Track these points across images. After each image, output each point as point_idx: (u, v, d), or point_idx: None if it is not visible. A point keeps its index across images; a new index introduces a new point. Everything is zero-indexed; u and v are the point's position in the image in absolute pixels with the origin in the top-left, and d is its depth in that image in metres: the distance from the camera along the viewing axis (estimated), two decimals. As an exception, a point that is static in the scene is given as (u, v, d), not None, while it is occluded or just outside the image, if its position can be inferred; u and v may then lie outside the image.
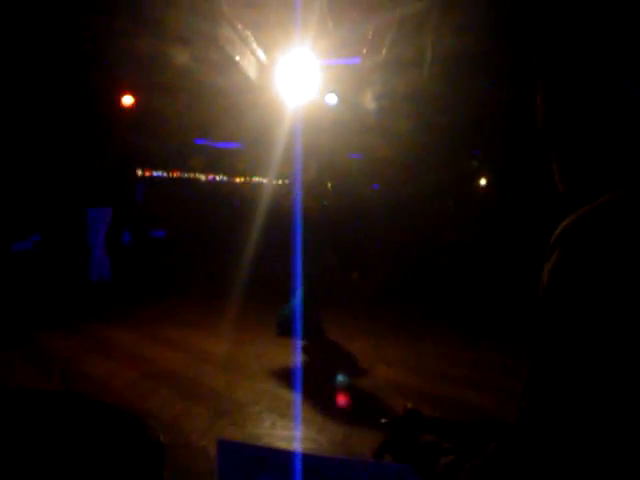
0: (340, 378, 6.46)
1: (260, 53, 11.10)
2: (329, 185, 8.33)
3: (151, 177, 17.92)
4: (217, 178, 19.64)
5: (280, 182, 14.33)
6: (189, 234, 14.71)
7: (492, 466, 1.03)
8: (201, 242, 14.39)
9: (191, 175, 18.89)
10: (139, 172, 16.60)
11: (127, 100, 13.23)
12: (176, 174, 18.30)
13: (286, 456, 1.21)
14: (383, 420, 1.39)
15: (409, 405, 1.39)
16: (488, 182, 17.28)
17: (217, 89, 12.17)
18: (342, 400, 5.93)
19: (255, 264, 10.66)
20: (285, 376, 6.27)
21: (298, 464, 1.19)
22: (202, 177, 19.45)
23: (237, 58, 10.63)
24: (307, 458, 1.20)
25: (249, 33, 10.47)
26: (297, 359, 6.90)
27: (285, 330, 7.69)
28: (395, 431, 1.35)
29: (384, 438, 1.36)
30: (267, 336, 7.73)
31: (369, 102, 11.57)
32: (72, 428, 1.53)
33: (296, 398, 5.63)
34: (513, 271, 12.43)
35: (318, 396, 5.70)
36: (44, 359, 6.66)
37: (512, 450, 1.01)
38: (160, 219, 15.05)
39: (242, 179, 19.82)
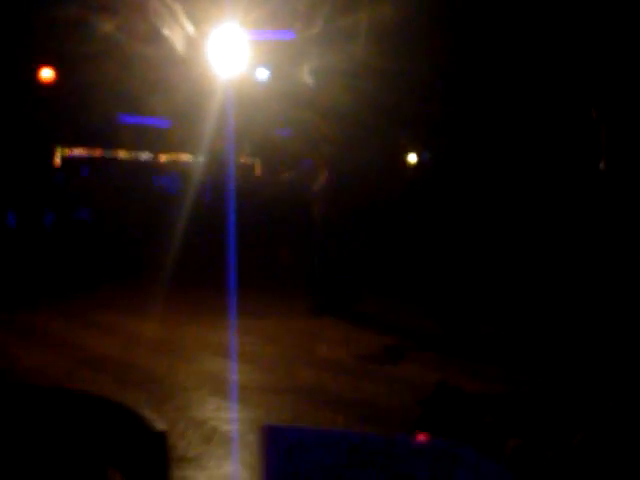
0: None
1: (189, 26, 10.71)
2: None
3: (72, 156, 17.22)
4: (143, 156, 19.00)
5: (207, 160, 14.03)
6: (115, 216, 14.17)
7: (583, 457, 0.96)
8: (128, 224, 13.91)
9: (116, 154, 18.23)
10: (59, 150, 15.89)
11: (46, 73, 12.52)
12: (100, 152, 17.62)
13: (331, 435, 1.20)
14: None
15: (444, 381, 1.35)
16: (419, 159, 17.40)
17: (144, 61, 11.70)
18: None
19: (184, 247, 10.42)
20: (224, 357, 6.13)
21: (344, 442, 1.16)
22: (127, 155, 18.81)
23: (165, 30, 10.23)
24: (352, 436, 1.17)
25: (178, 5, 10.08)
26: (233, 339, 6.74)
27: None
28: (433, 408, 1.28)
29: (419, 415, 1.29)
30: (202, 319, 7.57)
31: (303, 76, 11.36)
32: (73, 425, 1.47)
33: (238, 379, 5.49)
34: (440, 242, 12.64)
35: (262, 377, 5.60)
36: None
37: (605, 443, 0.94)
38: (84, 200, 14.45)
39: (170, 157, 19.26)
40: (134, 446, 1.38)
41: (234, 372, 5.69)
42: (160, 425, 1.40)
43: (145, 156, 19.64)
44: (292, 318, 7.81)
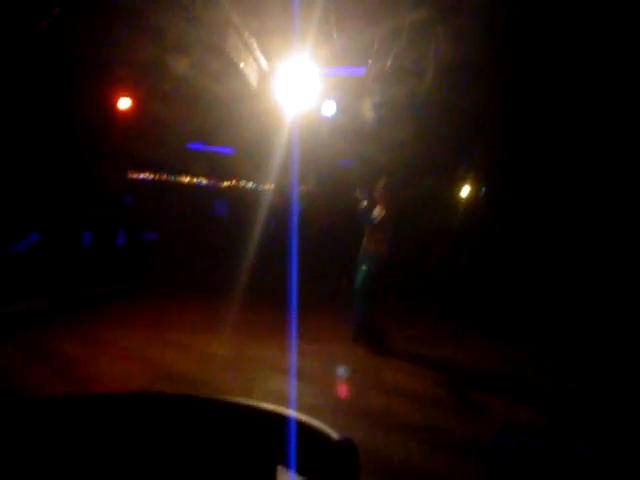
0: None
1: (261, 60, 11.22)
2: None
3: (143, 180, 17.95)
4: (210, 182, 19.67)
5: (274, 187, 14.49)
6: (182, 237, 14.77)
7: None
8: (194, 245, 14.47)
9: (180, 179, 18.94)
10: (131, 175, 16.62)
11: (124, 103, 13.25)
12: (169, 177, 18.34)
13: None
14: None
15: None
16: (478, 191, 17.52)
17: (215, 96, 12.28)
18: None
19: (250, 269, 10.84)
20: (289, 377, 6.41)
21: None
22: (195, 181, 19.52)
23: (238, 65, 10.73)
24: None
25: (252, 39, 10.58)
26: (295, 360, 6.99)
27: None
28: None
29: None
30: (266, 340, 7.95)
31: (367, 110, 11.74)
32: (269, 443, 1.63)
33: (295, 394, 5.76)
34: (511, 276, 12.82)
35: (325, 400, 5.85)
36: (54, 360, 6.70)
37: None
38: (152, 221, 15.10)
39: (238, 184, 19.91)
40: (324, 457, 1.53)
41: (302, 393, 5.95)
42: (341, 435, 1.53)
43: (207, 182, 20.27)
44: (348, 344, 8.06)
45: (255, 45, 10.80)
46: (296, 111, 11.31)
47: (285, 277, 8.29)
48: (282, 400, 5.76)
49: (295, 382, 6.35)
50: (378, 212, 7.98)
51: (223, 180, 19.92)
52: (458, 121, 12.61)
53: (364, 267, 8.05)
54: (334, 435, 1.51)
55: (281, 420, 1.60)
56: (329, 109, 11.74)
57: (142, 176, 18.14)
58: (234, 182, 19.82)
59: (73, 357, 6.78)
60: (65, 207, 11.66)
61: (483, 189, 17.32)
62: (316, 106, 11.58)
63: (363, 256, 8.13)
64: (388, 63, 10.25)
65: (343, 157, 15.99)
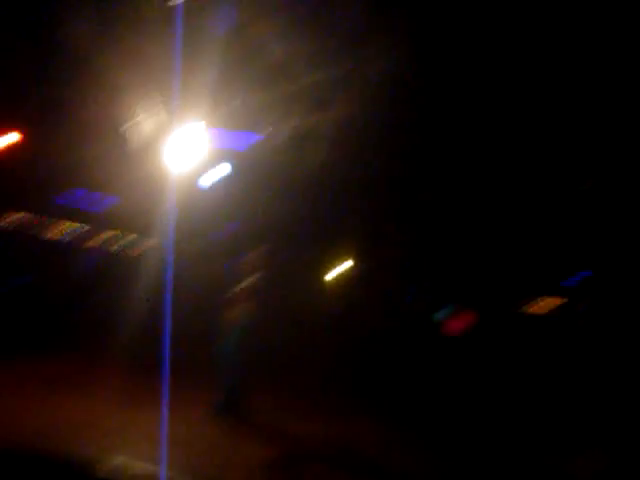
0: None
1: (147, 121, 10.98)
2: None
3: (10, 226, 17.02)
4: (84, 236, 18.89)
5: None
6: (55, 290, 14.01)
7: None
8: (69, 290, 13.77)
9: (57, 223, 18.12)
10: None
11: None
12: (39, 226, 17.50)
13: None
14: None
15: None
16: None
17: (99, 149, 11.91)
18: None
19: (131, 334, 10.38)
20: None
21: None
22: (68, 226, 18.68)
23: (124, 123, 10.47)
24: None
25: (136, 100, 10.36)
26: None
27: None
28: None
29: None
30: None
31: (257, 180, 11.74)
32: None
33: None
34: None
35: None
36: None
37: None
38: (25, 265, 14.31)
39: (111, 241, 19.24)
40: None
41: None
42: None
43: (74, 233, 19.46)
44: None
45: (142, 106, 10.59)
46: (182, 173, 11.10)
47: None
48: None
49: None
50: (247, 282, 8.02)
51: (98, 234, 19.22)
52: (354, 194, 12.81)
53: (231, 336, 7.92)
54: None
55: None
56: (218, 174, 11.64)
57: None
58: (110, 238, 19.16)
59: None
60: None
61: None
62: (204, 170, 11.44)
63: (230, 325, 8.03)
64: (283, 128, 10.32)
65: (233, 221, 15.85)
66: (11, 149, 12.95)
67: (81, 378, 8.78)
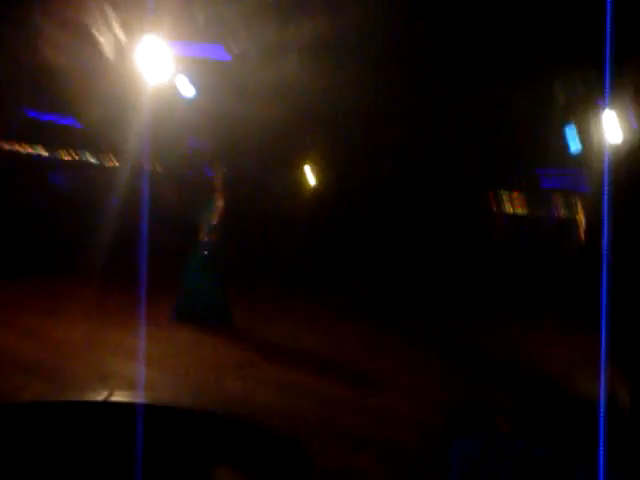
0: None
1: (118, 33, 10.75)
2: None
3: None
4: (51, 154, 18.48)
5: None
6: (23, 213, 13.86)
7: None
8: (37, 223, 13.65)
9: (23, 148, 17.68)
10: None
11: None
12: (7, 146, 17.07)
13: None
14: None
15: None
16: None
17: (67, 67, 11.60)
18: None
19: (100, 250, 10.45)
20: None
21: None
22: (37, 151, 18.27)
23: (95, 36, 10.22)
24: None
25: (109, 11, 10.11)
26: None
27: (185, 315, 8.22)
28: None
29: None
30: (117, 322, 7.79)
31: (229, 94, 11.64)
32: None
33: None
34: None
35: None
36: None
37: None
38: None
39: (82, 158, 18.88)
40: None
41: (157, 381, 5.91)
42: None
43: (44, 152, 19.09)
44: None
45: (111, 17, 10.33)
46: (151, 88, 10.96)
47: (136, 258, 8.10)
48: (136, 388, 5.70)
49: (146, 369, 6.28)
50: (214, 200, 8.24)
51: (65, 153, 18.86)
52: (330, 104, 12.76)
53: (199, 255, 8.35)
54: (283, 436, 1.61)
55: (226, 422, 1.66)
56: (187, 90, 11.48)
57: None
58: (77, 156, 18.84)
59: None
60: None
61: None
62: (173, 85, 11.29)
63: (200, 243, 8.33)
64: (252, 44, 10.20)
65: (197, 138, 15.73)
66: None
67: (57, 300, 8.90)
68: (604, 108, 9.38)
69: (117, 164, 14.88)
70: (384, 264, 13.35)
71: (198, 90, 11.47)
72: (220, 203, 8.42)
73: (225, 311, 8.44)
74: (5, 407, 1.92)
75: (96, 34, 10.43)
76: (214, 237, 8.44)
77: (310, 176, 17.82)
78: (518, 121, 12.99)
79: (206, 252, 8.39)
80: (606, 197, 3.49)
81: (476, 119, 13.22)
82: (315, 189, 17.95)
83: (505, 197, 18.48)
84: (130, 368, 6.17)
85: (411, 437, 4.93)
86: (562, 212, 18.10)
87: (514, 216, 18.36)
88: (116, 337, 7.29)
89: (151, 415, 1.83)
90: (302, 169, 17.53)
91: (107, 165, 17.68)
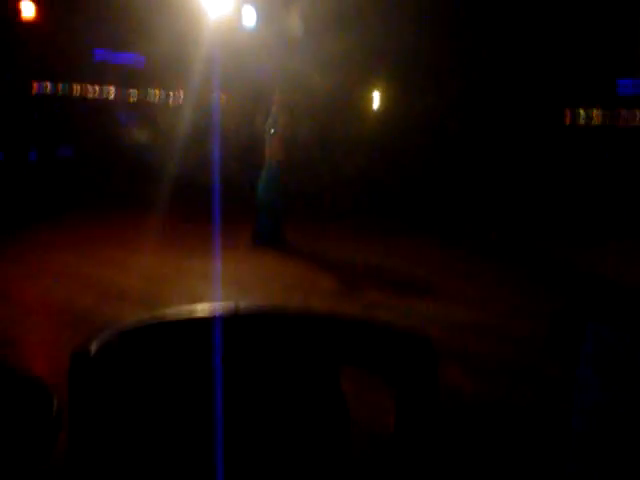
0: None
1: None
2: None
3: (42, 93, 16.98)
4: (119, 93, 18.80)
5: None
6: (98, 152, 14.22)
7: None
8: (112, 160, 14.00)
9: (85, 89, 18.03)
10: (36, 87, 15.70)
11: (27, 9, 12.35)
12: (77, 89, 17.43)
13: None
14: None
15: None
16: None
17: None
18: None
19: (173, 184, 10.69)
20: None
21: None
22: (96, 92, 18.61)
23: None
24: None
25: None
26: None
27: (265, 239, 8.37)
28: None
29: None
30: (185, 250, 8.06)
31: (292, 22, 11.49)
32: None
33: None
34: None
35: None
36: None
37: None
38: (65, 137, 14.43)
39: (140, 95, 19.13)
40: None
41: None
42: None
43: (113, 92, 19.42)
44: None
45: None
46: (214, 19, 10.94)
47: (207, 190, 8.26)
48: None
49: (234, 290, 6.49)
50: (276, 120, 8.23)
51: (133, 90, 19.15)
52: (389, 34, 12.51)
53: (265, 175, 8.45)
54: (414, 334, 1.66)
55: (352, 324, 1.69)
56: (250, 18, 11.42)
57: (47, 88, 17.19)
58: (144, 93, 19.12)
59: (6, 279, 6.60)
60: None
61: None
62: (236, 15, 11.24)
63: (264, 165, 8.47)
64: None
65: (264, 69, 15.67)
66: (33, 18, 12.77)
67: (137, 233, 9.14)
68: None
69: (183, 100, 14.99)
70: (458, 183, 13.09)
71: (262, 19, 11.38)
72: (283, 121, 8.40)
73: (276, 232, 8.56)
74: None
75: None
76: (280, 158, 8.46)
77: (376, 102, 17.61)
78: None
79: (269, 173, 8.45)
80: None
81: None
82: (382, 114, 17.73)
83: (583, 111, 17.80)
84: (217, 291, 6.36)
85: (507, 350, 4.97)
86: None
87: (594, 128, 17.66)
88: (199, 264, 7.49)
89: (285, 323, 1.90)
90: (369, 95, 17.31)
91: (172, 102, 17.87)
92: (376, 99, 17.72)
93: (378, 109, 17.90)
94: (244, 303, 1.97)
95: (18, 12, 12.25)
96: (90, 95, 17.92)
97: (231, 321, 1.86)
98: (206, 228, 7.70)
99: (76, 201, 11.26)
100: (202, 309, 1.96)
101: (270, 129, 8.29)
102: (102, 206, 11.27)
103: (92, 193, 12.01)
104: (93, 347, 1.62)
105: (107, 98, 18.55)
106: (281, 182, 8.51)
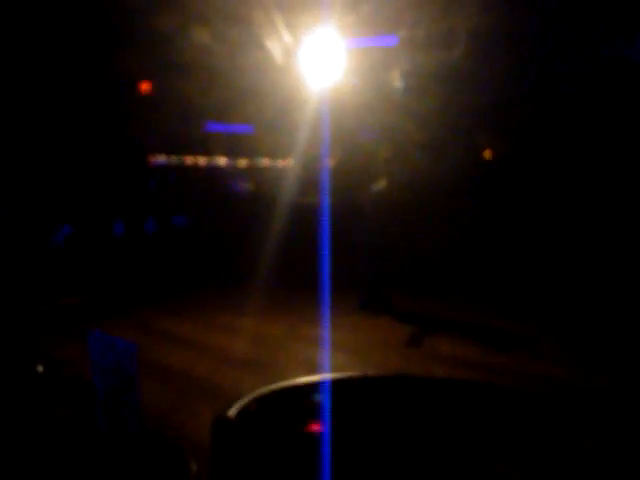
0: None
1: (285, 34, 11.04)
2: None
3: (157, 163, 17.81)
4: (230, 162, 19.49)
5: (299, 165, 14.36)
6: (208, 220, 14.66)
7: None
8: (224, 229, 14.37)
9: (197, 160, 18.78)
10: (152, 158, 16.49)
11: (145, 85, 13.08)
12: (190, 160, 18.20)
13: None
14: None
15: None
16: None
17: (237, 71, 12.11)
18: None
19: (282, 253, 10.83)
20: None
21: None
22: (207, 161, 19.35)
23: (262, 39, 10.58)
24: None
25: (275, 12, 10.40)
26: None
27: (368, 303, 8.37)
28: None
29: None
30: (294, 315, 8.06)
31: (395, 81, 11.56)
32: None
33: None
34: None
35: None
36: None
37: None
38: (179, 206, 15.00)
39: (250, 162, 19.73)
40: None
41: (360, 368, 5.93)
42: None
43: (224, 162, 20.09)
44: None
45: (279, 18, 10.63)
46: (321, 85, 11.13)
47: (314, 256, 8.26)
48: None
49: (347, 356, 6.37)
50: (381, 182, 8.26)
51: (242, 159, 19.77)
52: (483, 89, 12.41)
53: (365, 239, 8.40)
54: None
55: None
56: (353, 81, 11.55)
57: (161, 159, 18.02)
58: (254, 161, 19.68)
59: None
60: (94, 196, 11.57)
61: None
62: (342, 79, 11.40)
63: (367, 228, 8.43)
64: (418, 32, 10.09)
65: (367, 129, 15.78)
66: (149, 92, 13.50)
67: (249, 300, 9.23)
68: None
69: (292, 165, 15.28)
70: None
71: (366, 82, 11.50)
72: (382, 186, 8.43)
73: (378, 296, 8.42)
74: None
75: (266, 39, 10.77)
76: (378, 221, 8.42)
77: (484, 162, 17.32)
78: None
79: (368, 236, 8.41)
80: None
81: None
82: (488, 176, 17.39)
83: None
84: (332, 357, 6.25)
85: None
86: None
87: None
88: (310, 330, 7.44)
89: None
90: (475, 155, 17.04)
91: (282, 167, 18.26)
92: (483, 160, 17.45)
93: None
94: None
95: (136, 89, 13.00)
96: (202, 164, 18.66)
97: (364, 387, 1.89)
98: (316, 291, 7.69)
99: (190, 270, 11.55)
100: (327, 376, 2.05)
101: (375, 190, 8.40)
102: (215, 274, 11.50)
103: (205, 261, 12.30)
104: (233, 413, 1.70)
105: (218, 167, 19.24)
106: (381, 245, 8.47)
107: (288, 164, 17.50)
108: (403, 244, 11.05)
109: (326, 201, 11.16)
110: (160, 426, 4.26)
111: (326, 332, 7.26)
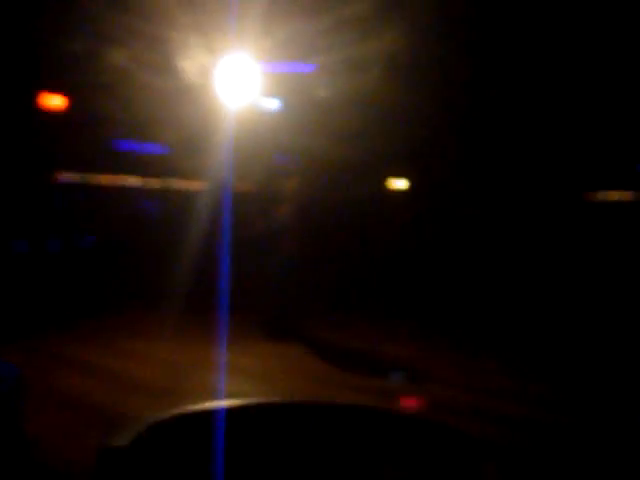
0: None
1: (200, 55, 10.96)
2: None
3: (63, 182, 17.22)
4: (131, 182, 19.00)
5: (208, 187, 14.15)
6: (119, 242, 14.24)
7: None
8: (132, 251, 13.99)
9: (116, 179, 18.27)
10: (57, 177, 15.90)
11: (51, 101, 12.65)
12: (101, 178, 17.67)
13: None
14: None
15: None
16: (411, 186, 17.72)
17: (152, 91, 11.91)
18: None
19: (193, 275, 10.61)
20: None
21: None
22: (114, 181, 18.81)
23: (176, 60, 10.46)
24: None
25: (190, 34, 10.32)
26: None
27: (273, 328, 8.32)
28: None
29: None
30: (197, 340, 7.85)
31: (310, 106, 11.65)
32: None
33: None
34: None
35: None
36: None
37: None
38: (88, 226, 14.50)
39: (162, 183, 19.34)
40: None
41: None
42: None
43: (133, 182, 19.60)
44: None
45: (196, 40, 10.55)
46: (236, 107, 11.09)
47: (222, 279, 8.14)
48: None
49: (255, 383, 6.28)
50: (284, 211, 8.19)
51: (155, 180, 19.35)
52: (403, 116, 12.65)
53: (276, 264, 8.35)
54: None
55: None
56: (271, 104, 11.60)
57: (71, 176, 17.42)
58: (167, 182, 19.31)
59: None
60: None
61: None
62: (257, 102, 11.41)
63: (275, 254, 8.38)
64: (331, 58, 10.22)
65: (282, 153, 15.82)
66: (60, 108, 13.09)
67: (152, 324, 9.01)
68: None
69: (203, 187, 15.08)
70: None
71: (282, 104, 11.54)
72: (290, 212, 8.39)
73: (287, 323, 8.40)
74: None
75: (179, 58, 10.66)
76: (290, 247, 8.40)
77: (394, 186, 17.65)
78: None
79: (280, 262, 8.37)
80: None
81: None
82: (399, 199, 17.75)
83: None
84: (238, 383, 6.14)
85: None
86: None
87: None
88: (218, 356, 7.31)
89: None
90: (386, 180, 17.35)
91: (193, 189, 17.99)
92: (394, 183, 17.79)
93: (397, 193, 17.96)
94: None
95: (43, 103, 12.56)
96: (112, 184, 18.14)
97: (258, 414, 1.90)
98: (226, 317, 7.56)
99: (95, 292, 11.16)
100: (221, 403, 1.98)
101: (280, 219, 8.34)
102: (120, 297, 11.15)
103: (111, 283, 11.93)
104: (119, 441, 1.65)
105: (129, 187, 18.75)
106: (290, 272, 8.43)
107: (202, 186, 17.27)
108: (310, 271, 11.06)
109: (229, 225, 11.08)
110: (47, 456, 4.04)
111: (234, 359, 7.14)
